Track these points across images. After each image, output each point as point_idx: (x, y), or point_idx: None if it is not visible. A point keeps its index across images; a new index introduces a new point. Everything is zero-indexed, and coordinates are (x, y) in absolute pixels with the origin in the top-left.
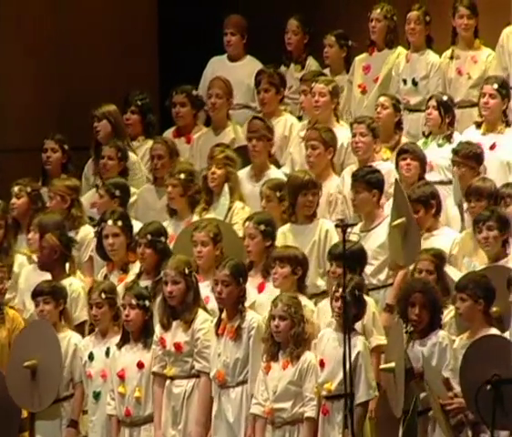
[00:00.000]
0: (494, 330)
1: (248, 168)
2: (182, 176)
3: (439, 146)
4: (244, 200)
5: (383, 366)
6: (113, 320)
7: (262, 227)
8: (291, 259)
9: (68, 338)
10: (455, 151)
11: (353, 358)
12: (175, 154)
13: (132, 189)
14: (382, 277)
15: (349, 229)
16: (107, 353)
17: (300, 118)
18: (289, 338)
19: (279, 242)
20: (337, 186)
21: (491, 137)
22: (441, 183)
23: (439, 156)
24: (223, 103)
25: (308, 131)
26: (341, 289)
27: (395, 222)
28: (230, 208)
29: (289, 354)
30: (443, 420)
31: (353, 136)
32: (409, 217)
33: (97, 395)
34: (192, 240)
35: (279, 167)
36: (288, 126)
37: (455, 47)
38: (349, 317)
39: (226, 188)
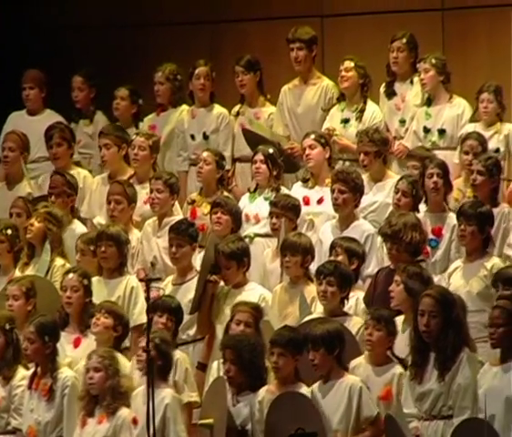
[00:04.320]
0: (303, 386)
1: None
2: (9, 231)
3: (266, 199)
4: (67, 258)
5: (201, 421)
6: None
7: (86, 281)
8: (116, 315)
9: None
10: (273, 203)
11: (162, 411)
12: None
13: None
14: (191, 332)
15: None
16: None
17: (90, 172)
18: (105, 390)
19: None
20: (137, 239)
21: (317, 190)
22: (267, 236)
23: (266, 209)
24: (16, 156)
25: (111, 185)
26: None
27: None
28: (50, 266)
29: (105, 408)
30: None
31: (151, 191)
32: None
33: None
34: (5, 294)
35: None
36: (81, 178)
37: (244, 104)
38: (153, 370)
39: (47, 244)
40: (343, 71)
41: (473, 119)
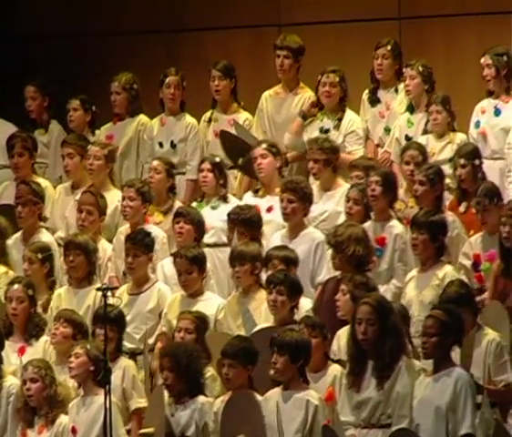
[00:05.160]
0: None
1: (19, 233)
2: None
3: (213, 208)
4: (11, 266)
5: (142, 430)
6: None
7: (30, 291)
8: (76, 324)
9: None
10: (227, 215)
11: (101, 418)
12: None
13: None
14: (150, 341)
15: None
16: None
17: None
18: (42, 400)
19: (53, 304)
20: (104, 250)
21: (268, 199)
22: (215, 245)
23: (214, 218)
24: None
25: (83, 195)
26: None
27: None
28: None
29: (44, 418)
30: None
31: (123, 199)
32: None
33: None
34: None
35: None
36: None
37: (215, 110)
38: (109, 380)
39: None
40: (328, 86)
41: (425, 131)
